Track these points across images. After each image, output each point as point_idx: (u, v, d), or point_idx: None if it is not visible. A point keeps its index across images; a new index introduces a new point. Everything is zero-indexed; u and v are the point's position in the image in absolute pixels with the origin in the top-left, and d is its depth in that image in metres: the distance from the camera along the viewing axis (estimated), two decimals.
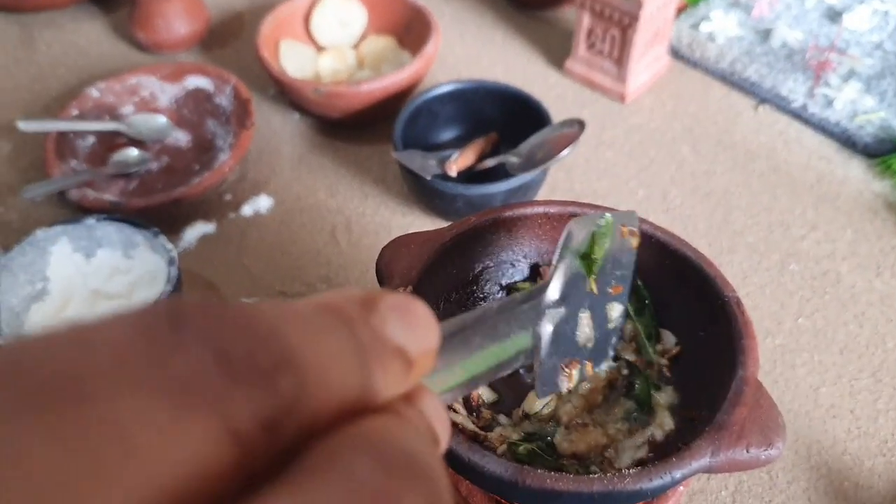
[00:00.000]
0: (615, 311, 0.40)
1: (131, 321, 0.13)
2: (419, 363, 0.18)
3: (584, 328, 0.38)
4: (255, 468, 0.12)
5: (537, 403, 0.49)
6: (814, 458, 0.63)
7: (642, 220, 0.52)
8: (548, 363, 0.35)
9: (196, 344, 0.13)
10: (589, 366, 0.39)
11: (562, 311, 0.35)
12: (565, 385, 0.37)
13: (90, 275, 0.70)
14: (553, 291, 0.34)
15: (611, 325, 0.40)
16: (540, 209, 0.53)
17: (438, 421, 0.18)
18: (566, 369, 0.37)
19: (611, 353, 0.41)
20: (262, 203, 0.81)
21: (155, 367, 0.12)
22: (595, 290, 0.39)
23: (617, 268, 0.40)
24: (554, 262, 0.36)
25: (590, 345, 0.39)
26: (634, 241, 0.41)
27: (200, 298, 0.14)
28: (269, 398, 0.13)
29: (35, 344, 0.12)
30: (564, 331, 0.36)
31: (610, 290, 0.40)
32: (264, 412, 0.13)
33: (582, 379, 0.39)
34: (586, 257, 0.39)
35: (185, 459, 0.11)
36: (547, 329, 0.34)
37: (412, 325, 0.17)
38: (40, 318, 0.67)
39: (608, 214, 0.40)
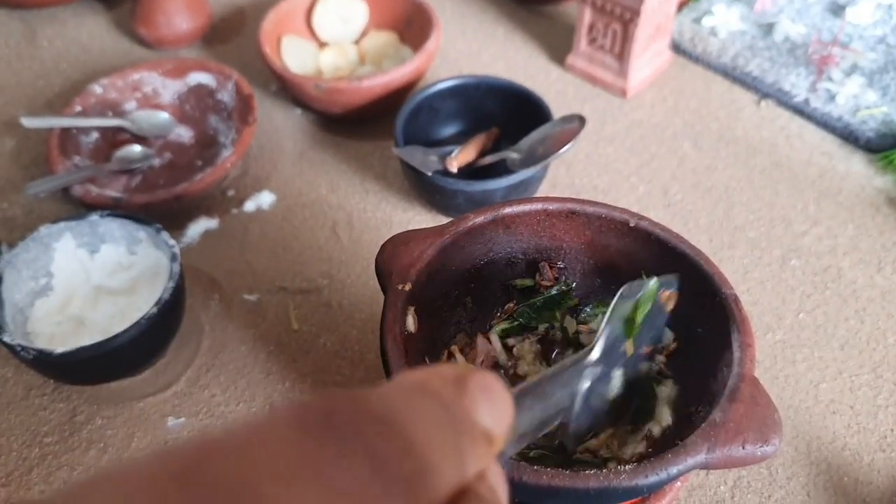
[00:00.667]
0: (643, 370, 0.42)
1: (293, 422, 0.14)
2: (498, 441, 0.19)
3: (615, 385, 0.40)
4: None
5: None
6: (813, 454, 0.63)
7: (641, 217, 0.52)
8: (580, 417, 0.36)
9: (354, 455, 0.14)
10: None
11: (599, 370, 0.37)
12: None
13: (94, 271, 0.70)
14: (596, 353, 0.37)
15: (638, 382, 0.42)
16: (539, 206, 0.53)
17: (503, 490, 0.19)
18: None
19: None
20: (264, 199, 0.81)
21: (322, 480, 0.13)
22: (630, 351, 0.41)
23: (652, 329, 0.42)
24: (602, 325, 0.38)
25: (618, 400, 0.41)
26: (671, 305, 0.44)
27: (342, 395, 0.15)
28: (413, 500, 0.14)
29: (210, 447, 0.13)
30: (597, 387, 0.37)
31: (644, 351, 0.42)
32: None
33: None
34: (629, 320, 0.41)
35: None
36: (584, 385, 0.35)
37: (496, 405, 0.18)
38: (44, 313, 0.68)
39: (655, 280, 0.42)
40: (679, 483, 0.48)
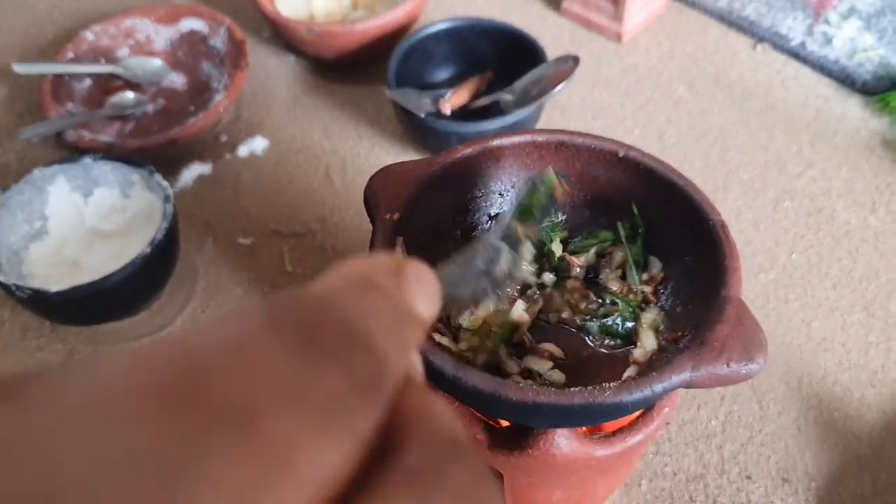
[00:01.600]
0: (528, 253, 0.45)
1: (274, 339, 0.14)
2: (427, 326, 0.19)
3: (503, 264, 0.43)
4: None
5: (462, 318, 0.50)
6: (804, 390, 0.63)
7: (630, 147, 0.52)
8: (465, 278, 0.39)
9: (335, 373, 0.14)
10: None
11: (500, 247, 0.39)
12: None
13: (88, 214, 0.70)
14: (494, 234, 0.40)
15: (518, 264, 0.46)
16: (528, 137, 0.53)
17: (420, 367, 0.21)
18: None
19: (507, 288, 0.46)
20: (257, 144, 0.81)
21: (305, 390, 0.14)
22: (521, 235, 0.45)
23: (543, 217, 0.46)
24: (508, 216, 0.42)
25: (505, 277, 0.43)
26: (559, 192, 0.47)
27: (305, 301, 0.16)
28: (383, 406, 0.15)
29: (197, 355, 0.13)
30: (488, 262, 0.41)
31: (530, 234, 0.46)
32: (378, 417, 0.15)
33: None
34: (526, 209, 0.45)
35: (328, 472, 0.13)
36: (479, 261, 0.37)
37: (429, 293, 0.19)
38: (40, 256, 0.68)
39: (550, 170, 0.46)
40: (667, 409, 0.48)
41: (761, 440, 0.61)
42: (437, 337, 0.47)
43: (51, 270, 0.67)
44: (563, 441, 0.45)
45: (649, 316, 0.49)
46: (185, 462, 0.12)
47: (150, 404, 0.12)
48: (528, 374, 0.49)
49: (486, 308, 0.49)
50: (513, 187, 0.56)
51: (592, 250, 0.54)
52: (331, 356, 0.14)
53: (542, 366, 0.49)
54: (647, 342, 0.48)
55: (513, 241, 0.42)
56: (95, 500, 0.11)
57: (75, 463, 0.11)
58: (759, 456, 0.60)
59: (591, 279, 0.54)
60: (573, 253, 0.54)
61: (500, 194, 0.56)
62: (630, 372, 0.47)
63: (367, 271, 0.18)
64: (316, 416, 0.13)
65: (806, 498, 0.58)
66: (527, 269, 0.51)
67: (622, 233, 0.53)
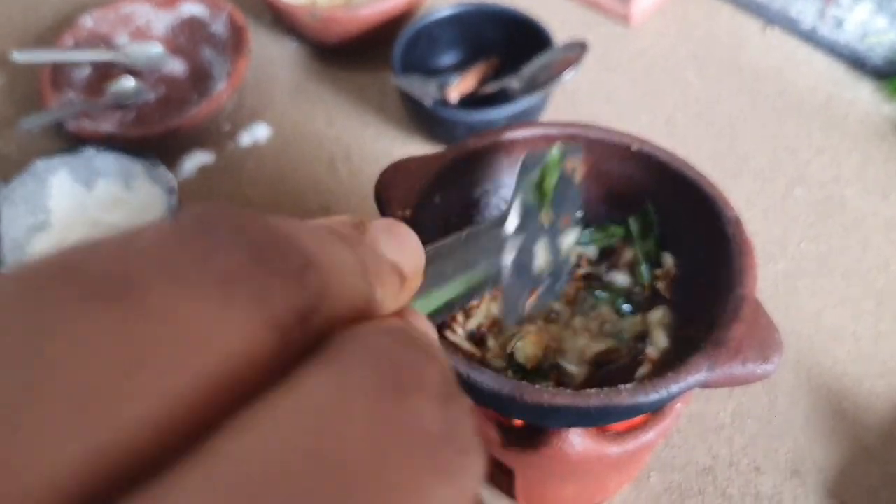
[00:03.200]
0: (566, 242, 0.41)
1: (166, 227, 0.13)
2: (410, 281, 0.19)
3: (539, 259, 0.38)
4: (289, 359, 0.13)
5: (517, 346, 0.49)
6: (814, 381, 0.63)
7: (643, 141, 0.51)
8: (511, 292, 0.35)
9: (231, 244, 0.13)
10: (534, 295, 0.40)
11: (520, 241, 0.35)
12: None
13: (91, 205, 0.70)
14: (512, 221, 0.35)
15: (562, 257, 0.41)
16: (539, 130, 0.52)
17: (433, 333, 0.19)
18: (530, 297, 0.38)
19: (563, 281, 0.42)
20: (260, 132, 0.80)
21: (197, 263, 0.13)
22: (547, 221, 0.40)
23: (565, 200, 0.41)
24: (512, 196, 0.37)
25: (545, 275, 0.39)
26: (579, 175, 0.42)
27: (224, 206, 0.15)
28: (302, 291, 0.14)
29: (82, 247, 0.13)
30: (523, 261, 0.36)
31: (562, 222, 0.41)
32: (298, 303, 0.13)
33: (540, 308, 0.39)
34: (539, 189, 0.39)
35: (232, 347, 0.12)
36: (509, 257, 0.34)
37: (402, 244, 0.18)
38: (44, 248, 0.67)
39: (557, 147, 0.41)
40: (679, 405, 0.48)
41: (770, 432, 0.61)
42: (449, 335, 0.47)
43: None
44: (577, 440, 0.45)
45: (657, 314, 0.49)
46: (47, 327, 0.11)
47: (47, 280, 0.12)
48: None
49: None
50: None
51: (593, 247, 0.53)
52: (233, 239, 0.13)
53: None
54: (659, 340, 0.47)
55: (536, 231, 0.38)
56: None
57: None
58: (769, 448, 0.60)
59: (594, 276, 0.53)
60: (582, 243, 0.54)
61: (511, 187, 0.55)
62: (643, 370, 0.47)
63: (326, 223, 0.17)
64: (208, 286, 0.12)
65: (815, 489, 0.58)
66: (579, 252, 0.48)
67: (634, 228, 0.52)
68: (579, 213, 0.43)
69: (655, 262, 0.52)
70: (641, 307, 0.51)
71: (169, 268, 0.12)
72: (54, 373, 0.11)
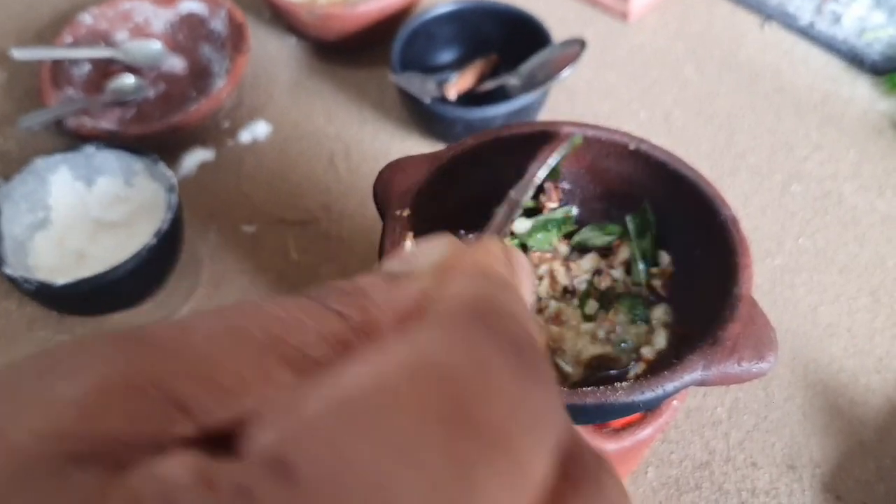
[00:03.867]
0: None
1: (497, 354, 0.15)
2: None
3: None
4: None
5: None
6: (810, 376, 0.63)
7: (641, 140, 0.51)
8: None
9: (540, 384, 0.15)
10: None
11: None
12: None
13: (91, 203, 0.70)
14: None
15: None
16: (538, 129, 0.52)
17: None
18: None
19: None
20: (259, 130, 0.81)
21: (534, 413, 0.14)
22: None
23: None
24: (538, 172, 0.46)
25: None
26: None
27: (490, 306, 0.17)
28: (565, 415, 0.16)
29: (451, 380, 0.14)
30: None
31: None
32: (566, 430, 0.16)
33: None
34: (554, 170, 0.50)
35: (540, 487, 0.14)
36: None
37: (530, 278, 0.21)
38: (44, 246, 0.68)
39: (577, 136, 0.51)
40: (676, 402, 0.49)
41: (767, 427, 0.61)
42: None
43: (56, 261, 0.67)
44: None
45: (659, 313, 0.49)
46: (466, 486, 0.12)
47: (425, 419, 0.13)
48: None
49: None
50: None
51: (591, 263, 0.54)
52: (534, 373, 0.15)
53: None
54: (658, 340, 0.48)
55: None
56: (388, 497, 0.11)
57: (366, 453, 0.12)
58: (765, 443, 0.60)
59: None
60: (579, 246, 0.54)
61: (509, 186, 0.55)
62: (637, 369, 0.47)
63: (487, 263, 0.19)
64: (541, 435, 0.14)
65: (811, 484, 0.58)
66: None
67: (631, 226, 0.53)
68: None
69: (653, 261, 0.53)
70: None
71: (526, 418, 0.14)
72: None
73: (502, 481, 0.12)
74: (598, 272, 0.53)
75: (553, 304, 0.51)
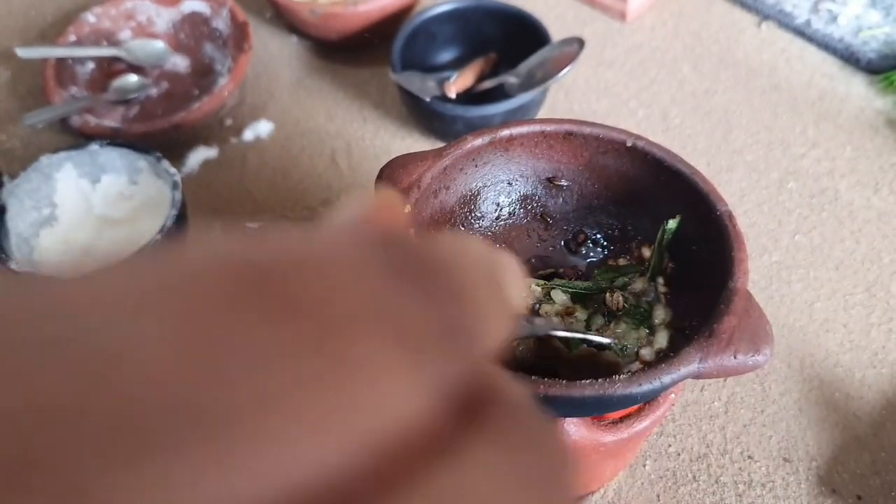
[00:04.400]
0: None
1: (359, 257, 0.13)
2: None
3: None
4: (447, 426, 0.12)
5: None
6: (806, 371, 0.64)
7: (638, 137, 0.52)
8: None
9: (426, 298, 0.13)
10: None
11: None
12: None
13: (96, 201, 0.71)
14: None
15: None
16: (536, 127, 0.53)
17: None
18: None
19: None
20: (262, 128, 0.81)
21: (392, 312, 0.12)
22: None
23: None
24: None
25: None
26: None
27: (408, 237, 0.14)
28: (473, 358, 0.13)
29: (287, 268, 0.12)
30: None
31: None
32: (468, 370, 0.13)
33: None
34: None
35: (408, 414, 0.11)
36: None
37: (519, 283, 0.18)
38: (49, 243, 0.68)
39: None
40: (673, 395, 0.49)
41: (763, 421, 0.62)
42: None
43: (61, 258, 0.68)
44: (572, 429, 0.46)
45: (660, 313, 0.50)
46: (262, 360, 0.11)
47: (238, 296, 0.11)
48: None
49: None
50: (521, 176, 0.56)
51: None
52: (427, 292, 0.13)
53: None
54: (659, 340, 0.48)
55: None
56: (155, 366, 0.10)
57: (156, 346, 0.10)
58: (761, 436, 0.61)
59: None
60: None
61: (508, 183, 0.56)
62: (634, 366, 0.48)
63: (487, 256, 0.16)
64: (408, 347, 0.12)
65: (807, 477, 0.59)
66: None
67: (653, 258, 0.52)
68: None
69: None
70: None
71: (377, 313, 0.12)
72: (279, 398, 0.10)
73: (325, 368, 0.11)
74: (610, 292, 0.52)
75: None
